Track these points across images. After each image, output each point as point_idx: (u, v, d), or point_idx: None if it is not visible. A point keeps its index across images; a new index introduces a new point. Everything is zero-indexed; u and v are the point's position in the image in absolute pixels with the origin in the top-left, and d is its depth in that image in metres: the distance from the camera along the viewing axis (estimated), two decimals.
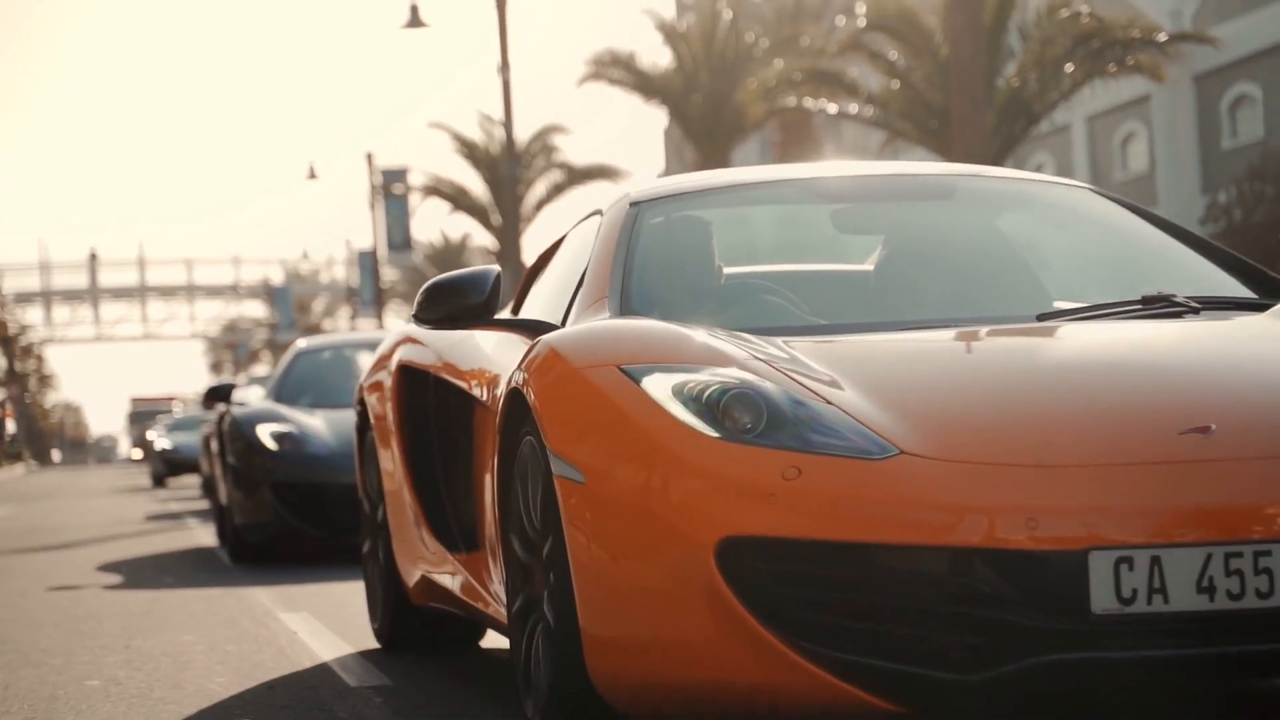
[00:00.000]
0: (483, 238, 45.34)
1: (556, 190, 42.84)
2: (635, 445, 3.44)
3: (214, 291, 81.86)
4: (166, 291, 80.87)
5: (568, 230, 5.40)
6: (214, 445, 13.05)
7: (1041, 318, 4.15)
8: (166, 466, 31.56)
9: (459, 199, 43.61)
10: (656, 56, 36.89)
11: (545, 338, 3.95)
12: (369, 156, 47.09)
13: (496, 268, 4.59)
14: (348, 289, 64.81)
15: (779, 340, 3.86)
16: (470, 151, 42.97)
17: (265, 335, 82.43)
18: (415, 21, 30.57)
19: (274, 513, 10.58)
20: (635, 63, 35.31)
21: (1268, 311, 4.18)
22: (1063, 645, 3.17)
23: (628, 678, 3.50)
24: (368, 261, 53.49)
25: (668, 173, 69.36)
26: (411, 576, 5.59)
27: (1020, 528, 3.18)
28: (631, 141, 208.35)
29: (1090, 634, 3.17)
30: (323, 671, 5.60)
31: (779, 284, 4.68)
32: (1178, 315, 4.12)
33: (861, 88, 24.34)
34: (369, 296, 51.14)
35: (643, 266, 4.46)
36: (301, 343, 13.07)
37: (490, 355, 4.83)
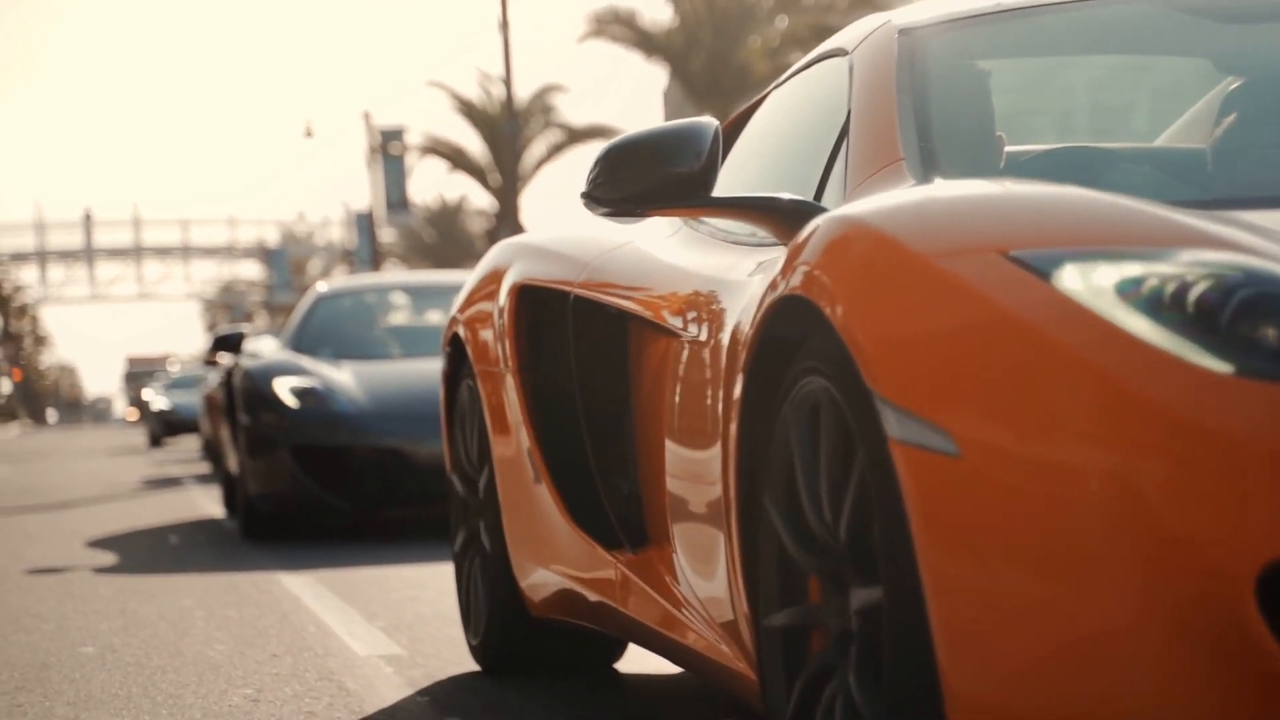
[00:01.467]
0: (481, 199, 45.00)
1: (555, 150, 42.52)
2: (1065, 391, 1.97)
3: (209, 252, 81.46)
4: (162, 252, 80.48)
5: (773, 85, 3.94)
6: (220, 403, 11.56)
7: None
8: (164, 427, 31.04)
9: (457, 158, 43.28)
10: (659, 14, 36.47)
11: (837, 215, 2.44)
12: (366, 115, 46.72)
13: (714, 121, 3.11)
14: (344, 250, 64.45)
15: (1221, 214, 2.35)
16: (469, 110, 42.64)
17: (261, 296, 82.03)
18: None
19: (294, 481, 9.00)
20: (636, 20, 34.96)
21: None
22: None
23: None
24: (364, 222, 53.15)
25: None
26: (535, 580, 4.07)
27: None
28: (630, 102, 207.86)
29: None
30: (329, 639, 5.31)
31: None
32: None
33: None
34: (366, 257, 50.79)
35: (940, 117, 3.02)
36: (322, 286, 11.35)
37: (689, 260, 3.43)
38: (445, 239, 54.96)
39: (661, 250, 3.65)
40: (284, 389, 9.24)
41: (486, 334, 4.23)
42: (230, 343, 10.71)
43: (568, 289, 3.86)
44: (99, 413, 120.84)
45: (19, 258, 77.27)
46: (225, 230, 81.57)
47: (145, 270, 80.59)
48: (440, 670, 4.66)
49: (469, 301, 4.45)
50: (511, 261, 4.22)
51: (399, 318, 10.99)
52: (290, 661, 4.89)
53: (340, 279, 11.85)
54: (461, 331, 4.43)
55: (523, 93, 42.59)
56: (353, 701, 4.24)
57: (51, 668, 4.95)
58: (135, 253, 79.45)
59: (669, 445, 3.21)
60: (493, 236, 41.50)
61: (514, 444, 4.02)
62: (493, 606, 4.34)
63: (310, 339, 10.37)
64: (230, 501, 11.19)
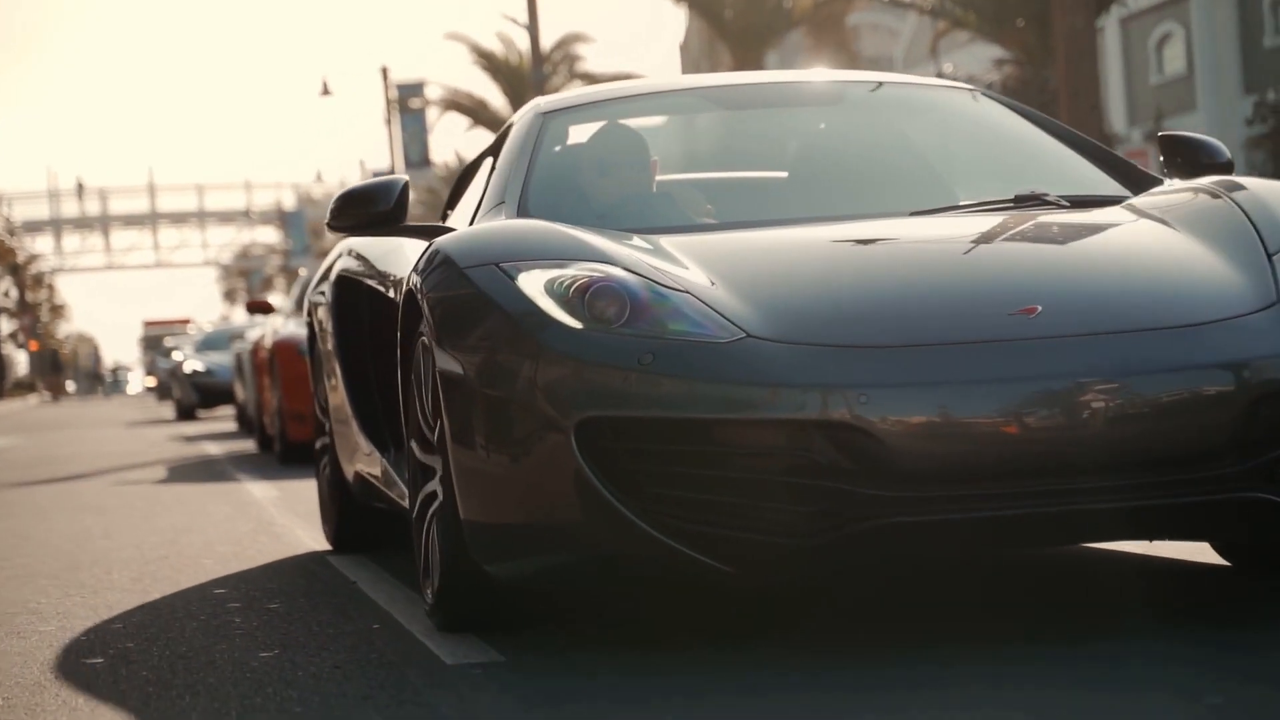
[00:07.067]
0: None
1: None
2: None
3: (226, 218, 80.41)
4: (178, 218, 79.43)
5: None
6: (325, 323, 5.92)
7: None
8: (199, 394, 25.34)
9: (478, 112, 42.05)
10: None
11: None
12: (384, 71, 45.50)
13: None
14: None
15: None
16: (489, 62, 41.37)
17: (279, 262, 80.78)
18: None
19: (586, 508, 3.63)
20: None
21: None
22: None
23: None
24: None
25: None
26: None
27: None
28: (648, 49, 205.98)
29: None
30: (408, 645, 4.13)
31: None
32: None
33: None
34: None
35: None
36: (543, 100, 5.25)
37: None
38: None
39: None
40: (539, 287, 3.85)
41: None
42: (368, 200, 4.78)
43: None
44: (117, 383, 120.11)
45: (32, 226, 76.26)
46: (241, 195, 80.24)
47: (161, 237, 79.47)
48: (545, 679, 3.53)
49: None
50: None
51: (705, 148, 5.57)
52: (357, 673, 3.76)
53: (563, 93, 5.39)
54: None
55: (544, 42, 41.30)
56: None
57: (46, 689, 3.82)
58: (151, 219, 78.44)
59: None
60: None
61: None
62: None
63: (545, 194, 4.77)
64: (349, 528, 6.10)
